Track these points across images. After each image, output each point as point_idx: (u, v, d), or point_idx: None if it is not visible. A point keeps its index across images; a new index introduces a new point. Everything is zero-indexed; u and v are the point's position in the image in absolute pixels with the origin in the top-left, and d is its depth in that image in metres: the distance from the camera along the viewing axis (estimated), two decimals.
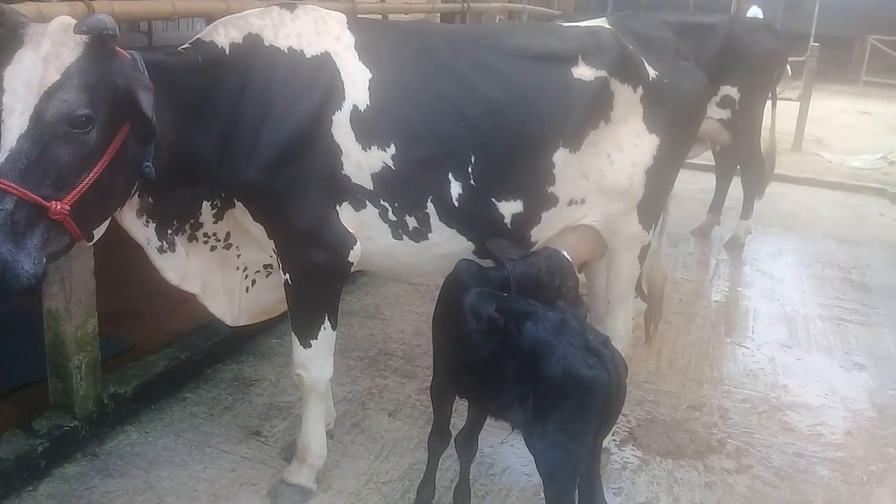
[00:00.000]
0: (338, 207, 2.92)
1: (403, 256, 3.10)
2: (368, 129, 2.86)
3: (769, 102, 6.79)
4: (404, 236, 3.02)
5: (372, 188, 2.91)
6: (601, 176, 3.21)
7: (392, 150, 2.88)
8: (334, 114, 2.83)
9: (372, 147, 2.87)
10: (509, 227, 3.08)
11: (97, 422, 3.57)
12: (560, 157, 3.05)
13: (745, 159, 6.96)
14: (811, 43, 12.58)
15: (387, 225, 2.99)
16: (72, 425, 3.42)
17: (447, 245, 3.07)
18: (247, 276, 3.18)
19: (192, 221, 2.89)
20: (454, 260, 3.13)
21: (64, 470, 3.38)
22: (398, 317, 5.20)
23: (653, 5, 21.37)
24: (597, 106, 3.11)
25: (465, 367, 2.81)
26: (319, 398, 3.22)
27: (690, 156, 7.06)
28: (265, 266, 3.16)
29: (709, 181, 7.77)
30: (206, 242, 3.00)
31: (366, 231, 3.00)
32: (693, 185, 8.62)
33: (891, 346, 5.24)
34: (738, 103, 6.44)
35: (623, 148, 3.22)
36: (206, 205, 2.88)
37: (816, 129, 12.76)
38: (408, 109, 2.90)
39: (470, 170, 2.95)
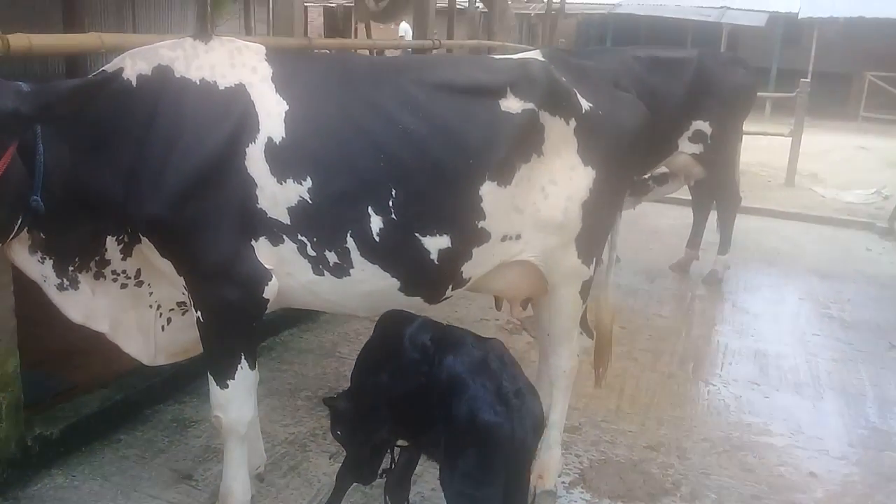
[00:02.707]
0: (254, 242, 2.83)
1: (326, 293, 3.00)
2: (284, 161, 2.78)
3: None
4: (325, 272, 2.92)
5: (289, 222, 2.82)
6: (536, 210, 3.12)
7: (308, 183, 2.79)
8: (248, 146, 2.75)
9: (287, 180, 2.78)
10: (436, 262, 2.98)
11: (20, 464, 3.44)
12: (488, 190, 2.96)
13: (720, 194, 6.87)
14: (802, 80, 12.52)
15: (306, 260, 2.90)
16: None
17: (371, 281, 2.97)
18: (161, 315, 3.08)
19: (97, 258, 2.81)
20: (381, 298, 3.03)
21: None
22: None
23: (654, 40, 21.54)
24: (526, 139, 3.03)
25: (402, 399, 2.69)
26: (240, 441, 3.10)
27: (668, 191, 7.17)
28: (179, 304, 3.06)
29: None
30: (115, 280, 2.90)
31: (285, 267, 2.90)
32: (678, 220, 8.54)
33: (864, 382, 5.07)
34: (710, 137, 6.36)
35: (557, 181, 3.13)
36: (112, 241, 2.80)
37: (812, 163, 12.69)
38: (325, 142, 2.82)
39: (391, 203, 2.86)
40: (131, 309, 3.00)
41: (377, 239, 2.87)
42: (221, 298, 2.83)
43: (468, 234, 3.00)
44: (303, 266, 2.90)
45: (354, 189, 2.84)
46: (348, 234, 2.86)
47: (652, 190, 7.04)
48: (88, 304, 2.85)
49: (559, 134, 3.10)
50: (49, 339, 3.45)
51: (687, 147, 6.41)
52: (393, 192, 2.85)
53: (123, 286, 2.94)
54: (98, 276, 2.85)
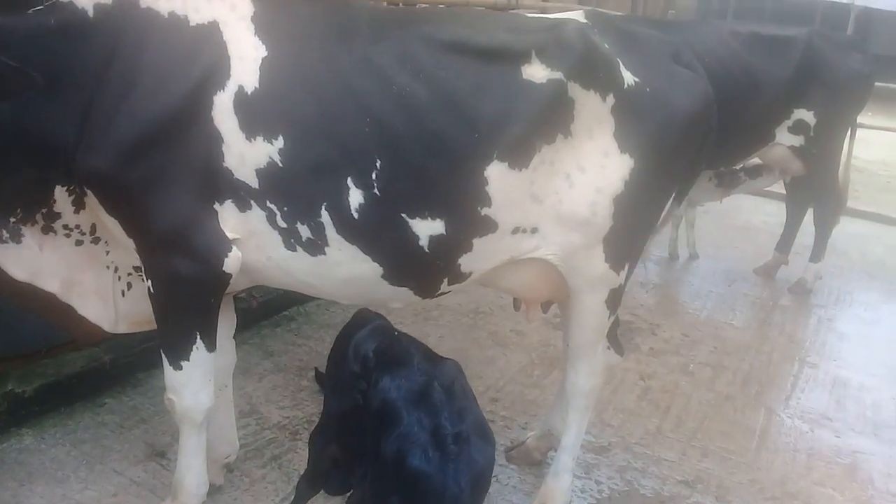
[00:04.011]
0: (217, 206, 2.45)
1: (300, 273, 2.60)
2: (254, 115, 2.37)
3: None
4: (298, 247, 2.52)
5: (257, 186, 2.42)
6: (558, 201, 2.62)
7: (280, 143, 2.38)
8: (215, 94, 2.35)
9: (257, 138, 2.38)
10: (427, 250, 2.52)
11: None
12: (496, 172, 2.48)
13: (819, 193, 6.07)
14: None
15: (277, 232, 2.49)
16: None
17: (349, 265, 2.54)
18: (119, 278, 2.75)
19: (43, 210, 2.48)
20: (362, 285, 2.62)
21: None
22: None
23: (779, 18, 20.01)
24: (550, 115, 2.52)
25: (339, 417, 2.28)
26: (196, 429, 2.75)
27: (761, 185, 6.42)
28: (136, 268, 2.71)
29: None
30: (67, 236, 2.58)
31: (254, 238, 2.51)
32: (774, 216, 7.70)
33: None
34: (814, 129, 5.58)
35: (586, 168, 2.61)
36: (62, 191, 2.46)
37: None
38: (303, 97, 2.39)
39: (374, 176, 2.41)
40: (88, 269, 2.68)
41: (355, 215, 2.44)
42: (174, 270, 2.46)
43: (467, 222, 2.53)
44: (273, 239, 2.51)
45: (332, 155, 2.41)
46: (322, 207, 2.44)
47: (743, 182, 6.32)
48: (34, 261, 2.54)
49: (592, 112, 2.58)
50: None
51: (785, 138, 5.65)
52: (377, 163, 2.40)
53: (78, 243, 2.61)
54: (47, 230, 2.53)
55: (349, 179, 2.41)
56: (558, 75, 2.49)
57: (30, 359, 3.53)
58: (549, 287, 2.89)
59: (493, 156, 2.46)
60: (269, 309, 4.62)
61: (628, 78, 2.61)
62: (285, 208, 2.45)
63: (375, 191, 2.42)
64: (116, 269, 2.72)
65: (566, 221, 2.65)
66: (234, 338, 3.02)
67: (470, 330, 4.87)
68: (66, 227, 2.55)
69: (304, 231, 2.48)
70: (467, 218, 2.53)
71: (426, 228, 2.49)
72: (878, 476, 3.79)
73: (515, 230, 2.63)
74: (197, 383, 2.66)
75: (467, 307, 5.15)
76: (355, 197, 2.42)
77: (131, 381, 3.83)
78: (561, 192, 2.62)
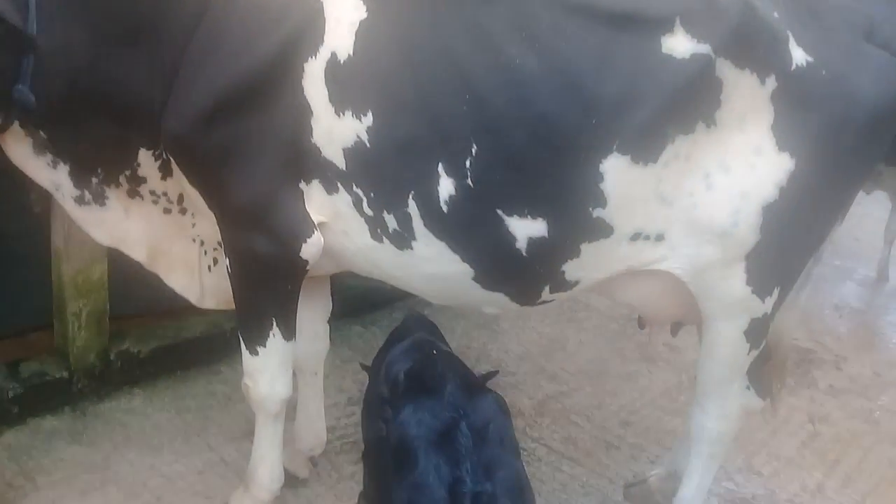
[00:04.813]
0: (304, 186, 2.23)
1: (387, 265, 2.33)
2: (345, 87, 2.12)
3: None
4: (384, 238, 2.25)
5: (344, 168, 2.18)
6: (692, 204, 2.16)
7: (369, 120, 2.11)
8: (307, 61, 2.12)
9: (346, 112, 2.12)
10: (525, 254, 2.16)
11: (99, 378, 3.26)
12: (615, 167, 2.06)
13: None
14: None
15: (363, 219, 2.24)
16: (59, 376, 3.15)
17: (437, 262, 2.24)
18: (206, 253, 2.60)
19: (126, 173, 2.37)
20: (451, 285, 2.34)
21: (41, 421, 3.11)
22: (515, 333, 4.34)
23: None
24: (691, 99, 2.06)
25: (367, 443, 1.97)
26: (272, 419, 2.57)
27: None
28: (220, 243, 2.55)
29: None
30: (155, 203, 2.46)
31: (341, 223, 2.27)
32: None
33: None
34: None
35: (731, 168, 2.13)
36: (147, 154, 2.34)
37: None
38: (398, 68, 2.09)
39: (468, 163, 2.08)
40: (175, 240, 2.56)
41: (444, 208, 2.13)
42: (250, 247, 2.28)
43: (575, 224, 2.14)
44: (360, 226, 2.26)
45: (422, 137, 2.10)
46: (410, 196, 2.15)
47: None
48: (119, 226, 2.45)
49: (746, 97, 2.09)
50: None
51: None
52: (473, 150, 2.07)
53: (166, 211, 2.49)
54: (132, 194, 2.42)
55: (440, 166, 2.10)
56: (706, 49, 2.02)
57: (149, 319, 3.55)
58: (677, 306, 2.42)
59: (612, 147, 2.05)
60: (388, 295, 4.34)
61: (799, 57, 2.08)
62: (372, 194, 2.18)
63: (468, 181, 2.09)
64: (203, 244, 2.58)
65: (700, 230, 2.18)
66: (331, 322, 2.83)
67: (616, 338, 4.37)
68: (153, 193, 2.43)
69: (391, 221, 2.20)
70: (575, 219, 2.13)
71: (525, 228, 2.13)
72: None
73: (635, 236, 2.20)
74: (273, 371, 2.47)
75: (618, 311, 4.63)
76: (445, 187, 2.10)
77: None
78: (696, 193, 2.15)
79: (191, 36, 2.15)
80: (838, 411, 3.97)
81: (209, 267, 2.62)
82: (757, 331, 2.38)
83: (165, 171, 2.39)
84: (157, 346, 3.44)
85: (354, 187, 2.19)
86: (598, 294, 2.52)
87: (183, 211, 2.51)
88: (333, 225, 2.28)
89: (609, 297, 2.53)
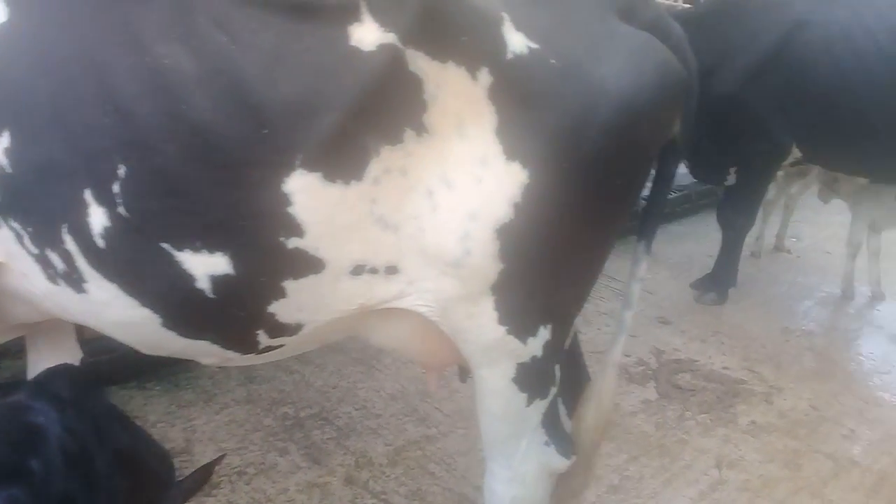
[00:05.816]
0: None
1: (74, 310, 1.92)
2: None
3: None
4: (59, 280, 1.86)
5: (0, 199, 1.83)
6: (419, 229, 1.75)
7: (6, 140, 1.73)
8: None
9: None
10: (212, 295, 1.76)
11: None
12: (303, 187, 1.64)
13: None
14: None
15: (32, 259, 1.87)
16: None
17: (116, 308, 1.83)
18: None
19: None
20: (145, 334, 1.92)
21: None
22: (395, 369, 3.92)
23: None
24: (387, 100, 1.65)
25: None
26: None
27: None
28: None
29: None
30: None
31: (18, 264, 1.90)
32: None
33: None
34: None
35: (455, 183, 1.72)
36: None
37: None
38: (33, 78, 1.72)
39: (116, 188, 1.70)
40: None
41: (101, 243, 1.73)
42: None
43: (267, 258, 1.73)
44: (32, 266, 1.88)
45: (63, 159, 1.71)
46: (63, 230, 1.77)
47: None
48: None
49: (459, 97, 1.67)
50: None
51: None
52: (121, 171, 1.68)
53: None
54: None
55: (86, 192, 1.71)
56: (391, 38, 1.62)
57: None
58: (444, 350, 2.00)
59: (295, 163, 1.64)
60: None
61: (517, 43, 1.66)
62: (30, 229, 1.81)
63: (121, 209, 1.70)
64: None
65: (433, 260, 1.77)
66: None
67: None
68: None
69: (56, 260, 1.81)
70: (265, 252, 1.72)
71: (203, 266, 1.72)
72: None
73: (358, 269, 1.78)
74: None
75: None
76: (97, 218, 1.70)
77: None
78: (421, 216, 1.74)
79: None
80: (754, 454, 3.46)
81: None
82: (530, 377, 1.93)
83: None
84: None
85: (11, 221, 1.82)
86: (354, 335, 2.11)
87: None
88: (12, 266, 1.91)
89: (365, 340, 2.12)
